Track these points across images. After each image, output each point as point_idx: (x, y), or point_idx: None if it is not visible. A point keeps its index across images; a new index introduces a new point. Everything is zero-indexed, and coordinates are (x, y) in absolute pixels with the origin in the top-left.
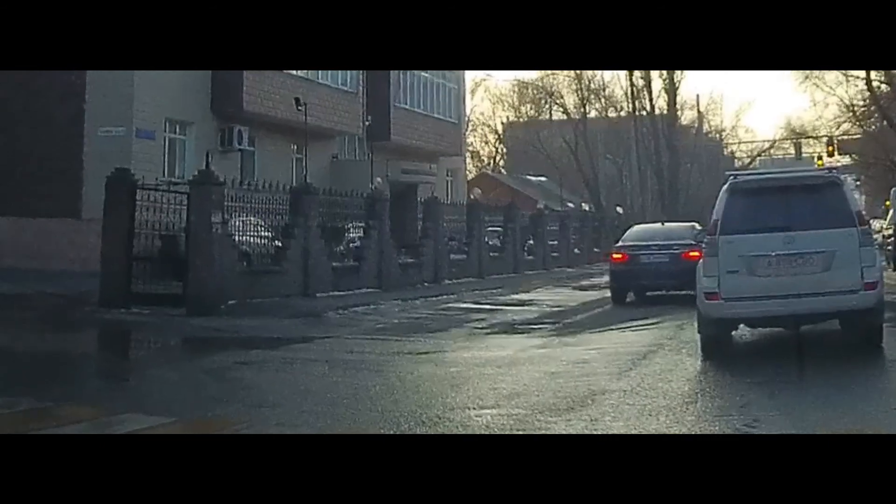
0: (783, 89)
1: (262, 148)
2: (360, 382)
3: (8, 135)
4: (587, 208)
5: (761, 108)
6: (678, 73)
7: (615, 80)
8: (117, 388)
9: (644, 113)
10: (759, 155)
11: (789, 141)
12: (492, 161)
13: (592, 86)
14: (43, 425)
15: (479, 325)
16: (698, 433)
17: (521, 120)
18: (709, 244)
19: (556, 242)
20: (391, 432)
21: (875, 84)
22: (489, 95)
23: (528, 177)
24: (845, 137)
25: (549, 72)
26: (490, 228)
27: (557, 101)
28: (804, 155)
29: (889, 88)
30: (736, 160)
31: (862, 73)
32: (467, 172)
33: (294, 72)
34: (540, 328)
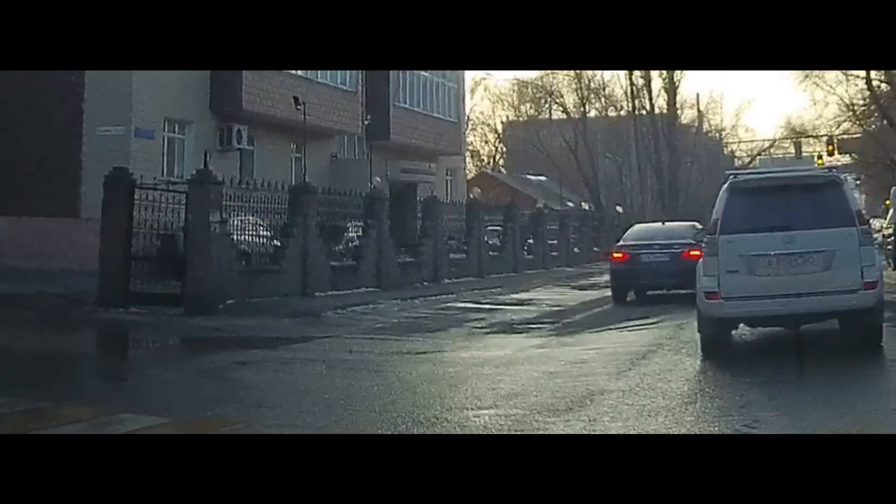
0: (783, 89)
1: (261, 147)
2: (359, 382)
3: (8, 135)
4: (587, 208)
5: (761, 108)
6: (678, 72)
7: (615, 80)
8: (116, 388)
9: (644, 112)
10: (759, 154)
11: (789, 140)
12: (491, 160)
13: (592, 85)
14: (42, 425)
15: (478, 325)
16: (698, 433)
17: (520, 119)
18: (709, 243)
19: (555, 242)
20: (389, 432)
21: (875, 83)
22: (489, 95)
23: (528, 176)
24: (845, 137)
25: (548, 71)
26: (489, 228)
27: (557, 101)
28: (804, 154)
29: (889, 88)
30: (736, 159)
31: (862, 73)
32: (467, 172)
33: (293, 71)
34: (539, 328)
